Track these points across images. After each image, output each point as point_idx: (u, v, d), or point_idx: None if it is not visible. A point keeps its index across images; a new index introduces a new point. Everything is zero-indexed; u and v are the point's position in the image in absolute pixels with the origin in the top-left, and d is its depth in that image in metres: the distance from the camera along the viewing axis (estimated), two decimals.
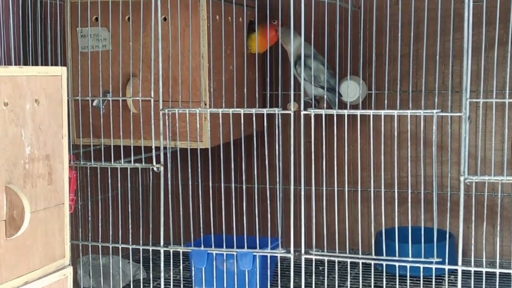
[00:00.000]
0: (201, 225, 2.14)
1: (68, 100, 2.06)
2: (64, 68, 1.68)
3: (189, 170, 2.15)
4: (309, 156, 2.06)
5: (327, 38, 2.12)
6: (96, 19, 2.24)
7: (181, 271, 2.20)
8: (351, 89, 2.48)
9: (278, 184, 2.13)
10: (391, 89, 2.49)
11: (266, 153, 2.09)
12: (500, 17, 1.96)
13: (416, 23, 2.35)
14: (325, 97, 2.32)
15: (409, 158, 2.07)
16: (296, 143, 2.07)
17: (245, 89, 2.22)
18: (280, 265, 2.44)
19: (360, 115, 2.02)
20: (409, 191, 2.05)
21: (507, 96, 1.92)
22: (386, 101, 2.14)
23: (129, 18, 2.22)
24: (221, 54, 2.22)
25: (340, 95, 2.44)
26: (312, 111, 2.01)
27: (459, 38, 2.38)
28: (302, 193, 2.08)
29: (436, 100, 2.02)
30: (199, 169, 2.12)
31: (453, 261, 2.06)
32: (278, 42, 2.44)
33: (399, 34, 2.19)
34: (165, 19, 2.19)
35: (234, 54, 2.26)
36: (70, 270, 1.71)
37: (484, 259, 1.97)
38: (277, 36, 2.44)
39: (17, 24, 2.23)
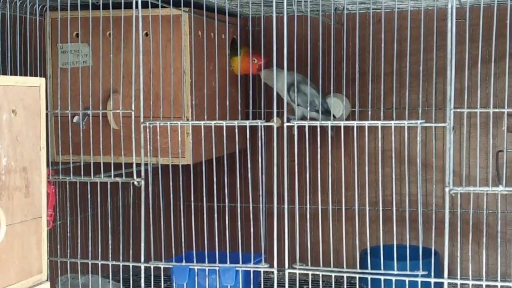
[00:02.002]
0: (183, 242, 2.12)
1: (47, 115, 2.05)
2: (43, 79, 1.66)
3: (171, 187, 2.12)
4: (292, 175, 2.04)
5: (309, 55, 2.12)
6: (77, 34, 2.23)
7: None
8: (335, 106, 2.48)
9: (260, 201, 2.11)
10: (374, 106, 2.49)
11: (249, 169, 2.07)
12: (482, 35, 1.97)
13: (399, 41, 2.36)
14: (320, 119, 2.31)
15: (394, 176, 2.06)
16: (279, 158, 2.06)
17: (228, 106, 2.21)
18: (264, 285, 2.41)
19: (344, 129, 2.01)
20: (394, 209, 2.04)
21: (491, 110, 1.92)
22: (370, 118, 2.13)
23: (110, 34, 2.21)
24: (203, 70, 2.20)
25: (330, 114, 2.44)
26: (295, 123, 2.00)
27: (442, 56, 2.39)
28: (286, 211, 2.06)
29: (420, 110, 2.02)
30: (181, 186, 2.10)
31: (438, 277, 2.04)
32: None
33: (382, 52, 2.19)
34: (146, 34, 2.18)
35: (216, 71, 2.25)
36: (47, 286, 1.68)
37: (470, 277, 1.96)
38: (260, 69, 2.44)
39: None
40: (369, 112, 2.10)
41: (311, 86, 2.38)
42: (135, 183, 2.07)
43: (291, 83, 2.29)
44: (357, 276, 2.04)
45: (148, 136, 2.10)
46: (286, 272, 2.03)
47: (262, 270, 2.08)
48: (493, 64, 2.10)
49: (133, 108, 2.08)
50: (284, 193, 2.08)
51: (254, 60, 2.42)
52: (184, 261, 2.14)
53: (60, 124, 2.21)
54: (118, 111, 2.15)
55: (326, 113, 2.40)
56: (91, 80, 2.19)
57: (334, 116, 2.46)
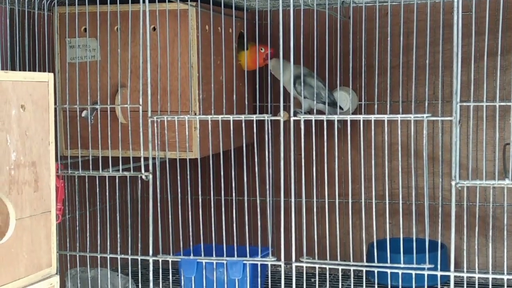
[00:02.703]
0: (191, 235, 2.13)
1: (56, 109, 2.06)
2: (51, 74, 1.67)
3: (178, 181, 2.13)
4: (299, 168, 2.05)
5: (316, 48, 2.12)
6: (85, 29, 2.24)
7: (171, 283, 2.17)
8: (342, 100, 2.48)
9: (268, 195, 2.11)
10: (381, 99, 2.49)
11: (257, 163, 2.07)
12: (489, 28, 1.96)
13: (406, 34, 2.36)
14: (327, 112, 2.32)
15: (400, 170, 2.06)
16: (287, 151, 2.06)
17: (235, 100, 2.21)
18: (271, 278, 2.42)
19: (351, 123, 2.01)
20: (401, 202, 2.04)
21: (497, 103, 1.92)
22: (376, 111, 2.13)
23: (117, 28, 2.21)
24: (211, 64, 2.21)
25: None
26: (302, 117, 2.01)
27: (448, 49, 2.38)
28: (293, 205, 2.07)
29: (426, 104, 2.02)
30: (189, 180, 2.11)
31: (445, 270, 2.05)
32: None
33: (389, 46, 2.19)
34: (154, 28, 2.19)
35: (223, 65, 2.26)
36: (57, 279, 1.69)
37: (476, 270, 1.96)
38: (266, 62, 2.44)
39: (5, 35, 2.22)
40: (376, 106, 2.11)
41: (317, 79, 2.38)
42: (143, 177, 2.08)
43: (297, 76, 2.29)
44: (364, 269, 2.04)
45: (155, 130, 2.10)
46: (293, 265, 2.04)
47: (269, 263, 2.09)
48: (499, 57, 2.09)
49: (140, 102, 2.09)
50: (291, 187, 2.09)
51: (262, 49, 2.42)
52: (192, 254, 2.15)
53: (69, 118, 2.22)
54: (126, 105, 2.16)
55: (333, 105, 2.40)
56: (99, 74, 2.20)
57: (341, 108, 2.45)
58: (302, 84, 2.24)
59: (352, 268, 2.04)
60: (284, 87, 2.12)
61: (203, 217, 2.16)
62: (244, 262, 2.09)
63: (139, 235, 2.23)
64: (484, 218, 2.51)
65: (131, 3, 2.11)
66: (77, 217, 2.24)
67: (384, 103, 2.47)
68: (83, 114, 2.21)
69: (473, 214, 2.38)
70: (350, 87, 2.46)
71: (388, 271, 1.99)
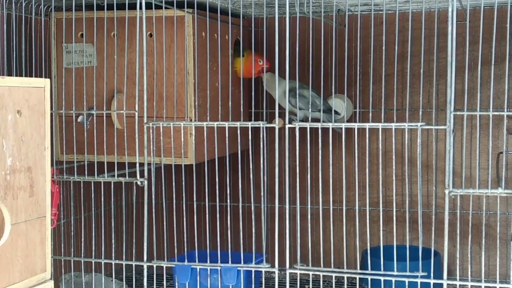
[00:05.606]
0: (185, 241, 2.13)
1: (52, 115, 2.07)
2: (48, 80, 1.68)
3: (173, 186, 2.14)
4: (294, 175, 2.06)
5: (311, 56, 2.13)
6: (82, 35, 2.25)
7: None
8: (337, 107, 2.48)
9: (262, 201, 2.12)
10: (376, 107, 2.50)
11: (251, 169, 2.08)
12: (483, 37, 1.98)
13: (400, 42, 2.38)
14: (321, 119, 2.33)
15: (394, 177, 2.07)
16: (282, 158, 2.07)
17: (230, 106, 2.22)
18: (265, 284, 2.42)
19: (345, 130, 2.02)
20: (395, 209, 2.05)
21: (491, 113, 1.93)
22: (371, 119, 2.14)
23: (114, 34, 2.22)
24: (207, 71, 2.22)
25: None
26: (297, 124, 2.01)
27: (443, 58, 2.40)
28: (287, 211, 2.07)
29: (420, 112, 2.04)
30: (184, 186, 2.12)
31: (438, 278, 2.06)
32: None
33: (384, 54, 2.20)
34: (150, 35, 2.20)
35: (219, 71, 2.27)
36: (51, 284, 1.69)
37: (469, 278, 1.97)
38: (262, 74, 2.45)
39: (2, 40, 2.23)
40: (370, 114, 2.12)
41: (311, 89, 2.39)
42: (138, 183, 2.08)
43: (290, 89, 2.30)
44: (358, 276, 2.05)
45: (151, 136, 2.11)
46: (287, 272, 2.04)
47: (263, 270, 2.09)
48: (493, 66, 2.10)
49: (136, 108, 2.09)
50: (286, 193, 2.09)
51: (260, 62, 2.43)
52: (186, 260, 2.15)
53: (65, 123, 2.23)
54: (122, 111, 2.17)
55: (328, 111, 2.41)
56: (96, 80, 2.20)
57: (338, 113, 2.46)
58: (295, 95, 2.25)
59: (345, 275, 2.05)
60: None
61: (198, 223, 2.16)
62: (238, 268, 2.09)
63: (134, 240, 2.23)
64: (477, 226, 2.52)
65: (128, 9, 2.11)
66: (72, 222, 2.24)
67: (379, 111, 2.48)
68: (79, 119, 2.22)
69: (467, 222, 2.39)
70: (345, 94, 2.47)
71: (382, 278, 2.00)
